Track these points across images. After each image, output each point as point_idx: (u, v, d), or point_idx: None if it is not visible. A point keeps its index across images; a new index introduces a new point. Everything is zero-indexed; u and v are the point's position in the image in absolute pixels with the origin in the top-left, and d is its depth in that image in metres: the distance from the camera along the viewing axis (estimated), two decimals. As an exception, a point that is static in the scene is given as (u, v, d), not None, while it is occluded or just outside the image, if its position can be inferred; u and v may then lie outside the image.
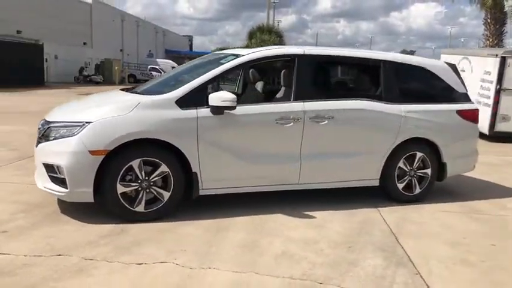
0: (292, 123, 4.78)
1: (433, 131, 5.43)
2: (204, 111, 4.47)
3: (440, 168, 5.59)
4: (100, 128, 4.20)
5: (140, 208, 4.37)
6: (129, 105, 4.38)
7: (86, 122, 4.23)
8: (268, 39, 31.93)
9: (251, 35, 34.44)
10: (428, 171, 5.50)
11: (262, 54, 4.99)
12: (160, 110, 4.39)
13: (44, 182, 4.41)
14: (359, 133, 5.11)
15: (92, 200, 4.26)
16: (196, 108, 4.47)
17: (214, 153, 4.54)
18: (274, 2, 59.82)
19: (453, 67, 5.88)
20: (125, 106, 4.39)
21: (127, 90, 5.22)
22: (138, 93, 4.89)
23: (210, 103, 4.42)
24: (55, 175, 4.28)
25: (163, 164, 4.39)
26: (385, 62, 5.35)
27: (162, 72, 41.32)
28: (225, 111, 4.50)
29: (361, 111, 5.10)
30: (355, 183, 5.29)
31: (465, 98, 5.78)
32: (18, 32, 33.10)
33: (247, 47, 33.10)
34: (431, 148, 5.49)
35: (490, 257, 3.95)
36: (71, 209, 4.61)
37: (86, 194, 4.21)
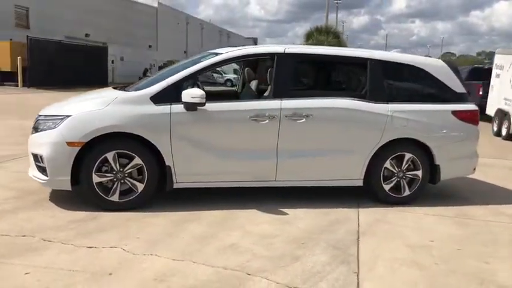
0: (267, 121, 4.85)
1: (423, 132, 5.27)
2: (178, 108, 4.67)
3: (433, 170, 5.41)
4: (77, 121, 4.52)
5: (115, 198, 4.64)
6: (106, 101, 4.67)
7: (66, 116, 4.57)
8: (324, 39, 31.67)
9: (308, 36, 34.34)
10: (419, 173, 5.34)
11: (240, 53, 5.11)
12: (135, 105, 4.64)
13: (32, 170, 4.81)
14: (340, 132, 5.08)
15: (70, 188, 4.59)
16: (170, 104, 4.68)
17: (188, 148, 4.72)
18: (337, 3, 59.33)
19: (453, 67, 5.66)
20: (102, 101, 4.69)
21: (119, 88, 5.52)
22: (125, 91, 5.17)
23: (183, 99, 4.61)
24: (39, 164, 4.66)
25: (136, 157, 4.63)
26: (371, 60, 5.27)
27: (223, 74, 42.31)
28: (198, 107, 4.68)
29: (342, 110, 5.06)
30: (337, 182, 5.25)
31: (463, 98, 5.55)
32: (87, 35, 35.28)
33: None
34: (422, 149, 5.33)
35: (447, 260, 3.81)
36: (59, 197, 4.98)
37: (64, 182, 4.54)
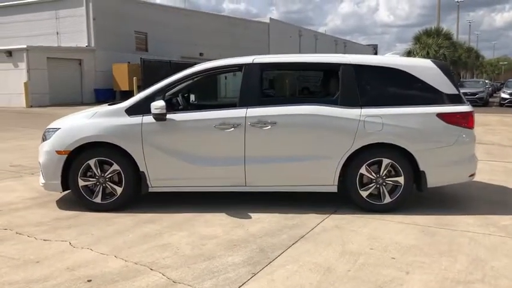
0: (232, 129, 5.09)
1: (402, 136, 5.05)
2: (148, 118, 5.14)
3: (418, 177, 5.12)
4: (64, 133, 5.25)
5: (98, 199, 5.26)
6: (89, 114, 5.34)
7: (57, 128, 5.32)
8: (432, 42, 29.95)
9: (417, 39, 32.76)
10: (401, 179, 5.11)
11: (208, 66, 5.42)
12: (112, 117, 5.23)
13: (40, 175, 5.66)
14: (307, 138, 5.11)
15: (61, 191, 5.32)
16: (142, 116, 5.18)
17: (158, 155, 5.16)
18: (457, 2, 55.43)
19: (444, 67, 5.31)
20: (86, 115, 5.37)
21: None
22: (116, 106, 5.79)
23: (151, 111, 5.08)
24: (40, 169, 5.47)
25: (114, 163, 5.20)
26: (343, 65, 5.20)
27: (292, 84, 42.27)
28: (168, 117, 5.11)
29: (307, 116, 5.09)
30: (310, 188, 5.26)
31: (453, 99, 5.17)
32: (201, 54, 37.82)
33: (409, 52, 31.64)
34: (403, 155, 5.10)
35: (364, 268, 3.69)
36: (64, 199, 5.76)
37: (56, 185, 5.28)
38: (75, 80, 27.89)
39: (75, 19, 28.78)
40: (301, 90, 5.59)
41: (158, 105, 4.99)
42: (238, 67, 5.38)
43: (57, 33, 29.50)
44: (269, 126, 5.07)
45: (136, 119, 5.17)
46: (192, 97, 6.58)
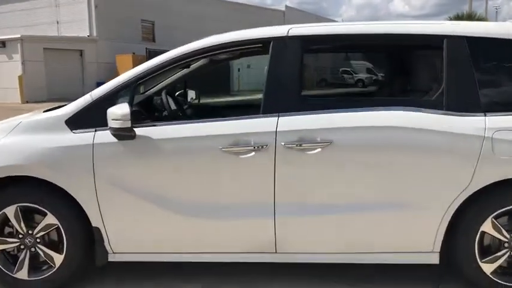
0: (252, 153, 2.83)
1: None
2: (105, 135, 2.91)
3: None
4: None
5: (22, 275, 3.05)
6: (5, 129, 3.11)
7: None
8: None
9: (446, 26, 29.97)
10: (557, 245, 2.82)
11: (208, 43, 3.10)
12: (43, 134, 3.00)
13: None
14: (386, 169, 2.83)
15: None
16: (95, 131, 2.95)
17: (123, 199, 2.94)
18: (484, -14, 52.26)
19: None
20: (4, 128, 3.14)
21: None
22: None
23: (108, 123, 2.84)
24: None
25: (49, 213, 2.99)
26: (449, 39, 2.89)
27: (354, 74, 39.49)
28: (139, 133, 2.88)
29: (388, 130, 2.81)
30: (388, 257, 2.98)
31: None
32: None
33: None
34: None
35: None
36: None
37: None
38: (75, 73, 25.66)
39: (76, 6, 26.57)
40: (372, 83, 3.68)
41: (118, 112, 2.76)
42: (262, 44, 3.11)
43: (57, 22, 27.37)
44: (319, 149, 2.80)
45: (85, 137, 2.94)
46: (184, 97, 4.28)
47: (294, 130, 2.83)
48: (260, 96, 3.01)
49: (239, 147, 2.84)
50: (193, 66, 3.79)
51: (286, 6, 46.50)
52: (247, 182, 2.90)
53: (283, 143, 2.80)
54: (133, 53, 26.11)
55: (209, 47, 3.08)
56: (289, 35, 2.98)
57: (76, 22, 26.66)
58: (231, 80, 33.07)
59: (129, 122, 2.74)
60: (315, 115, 2.88)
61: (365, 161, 2.83)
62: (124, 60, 25.55)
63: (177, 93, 4.35)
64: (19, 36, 23.12)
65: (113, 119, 2.76)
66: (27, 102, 22.60)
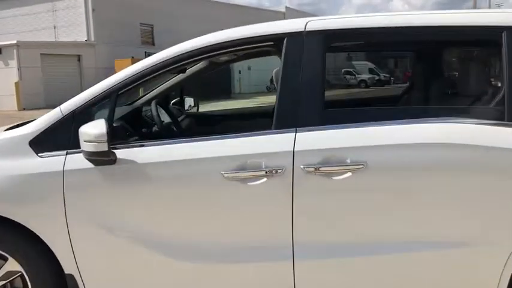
0: (265, 179, 2.22)
1: None
2: (79, 160, 2.31)
3: None
4: None
5: (-21, 333, 2.45)
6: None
7: None
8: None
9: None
10: None
11: (208, 40, 2.51)
12: (2, 158, 2.40)
13: None
14: (437, 198, 2.22)
15: None
16: (66, 154, 2.34)
17: (104, 239, 2.34)
18: (487, -16, 51.70)
19: None
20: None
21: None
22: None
23: (80, 145, 2.24)
24: None
25: (10, 258, 2.39)
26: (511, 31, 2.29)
27: (356, 75, 38.82)
28: (120, 155, 2.28)
29: (438, 148, 2.19)
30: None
31: None
32: (212, 46, 35.11)
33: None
34: None
35: None
36: None
37: None
38: (73, 78, 25.13)
39: (73, 11, 26.06)
40: (410, 87, 3.00)
41: (92, 132, 2.16)
42: (273, 42, 2.49)
43: (55, 27, 26.86)
44: (349, 173, 2.19)
45: (53, 162, 2.34)
46: (180, 105, 3.69)
47: (316, 149, 2.22)
48: (267, 100, 2.41)
49: (246, 173, 2.23)
50: (189, 70, 3.19)
51: (287, 8, 45.99)
52: (258, 217, 2.29)
53: (302, 166, 2.19)
54: (133, 57, 25.59)
55: (205, 47, 2.47)
56: (307, 29, 2.37)
57: (74, 26, 26.20)
58: (231, 83, 32.53)
59: (106, 144, 2.14)
60: (342, 129, 2.27)
61: (408, 186, 2.22)
62: (123, 65, 24.91)
63: (173, 101, 3.77)
64: (15, 42, 22.69)
65: (85, 141, 2.16)
66: (24, 109, 22.12)
